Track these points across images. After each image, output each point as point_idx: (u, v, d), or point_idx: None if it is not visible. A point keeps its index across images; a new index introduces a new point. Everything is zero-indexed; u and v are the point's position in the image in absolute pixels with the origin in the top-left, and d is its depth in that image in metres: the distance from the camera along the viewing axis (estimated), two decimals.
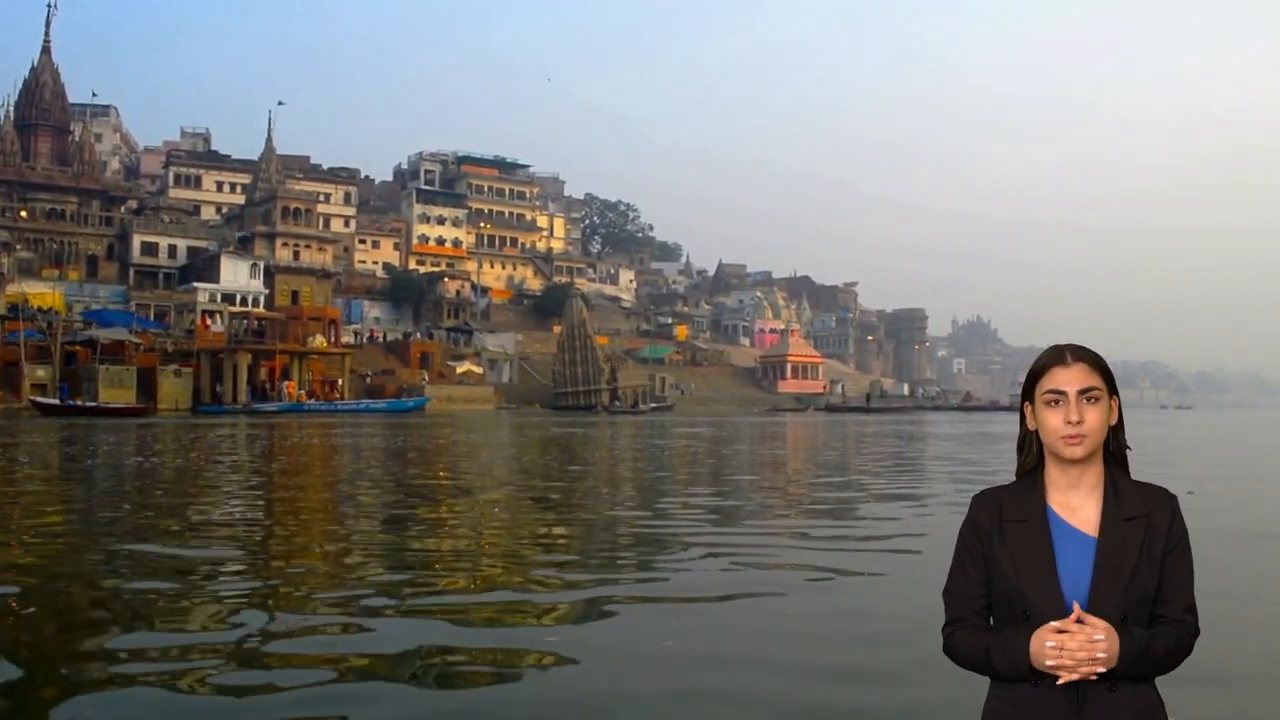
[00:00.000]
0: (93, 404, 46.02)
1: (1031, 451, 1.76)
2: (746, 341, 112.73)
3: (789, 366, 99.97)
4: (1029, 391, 1.75)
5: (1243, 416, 73.91)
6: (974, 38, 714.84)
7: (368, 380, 65.43)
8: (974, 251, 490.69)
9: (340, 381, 61.60)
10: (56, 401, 45.21)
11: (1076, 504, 1.71)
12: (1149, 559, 1.65)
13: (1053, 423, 1.69)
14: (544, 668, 4.17)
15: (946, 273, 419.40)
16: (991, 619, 1.73)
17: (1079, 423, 1.67)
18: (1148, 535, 1.66)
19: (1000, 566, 1.69)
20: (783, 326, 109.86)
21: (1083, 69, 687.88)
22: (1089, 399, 1.68)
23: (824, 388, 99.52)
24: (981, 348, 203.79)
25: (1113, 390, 1.73)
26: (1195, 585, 1.68)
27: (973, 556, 1.73)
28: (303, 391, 57.92)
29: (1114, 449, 1.74)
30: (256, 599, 5.48)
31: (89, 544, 7.64)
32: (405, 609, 5.14)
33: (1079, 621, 1.59)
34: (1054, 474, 1.73)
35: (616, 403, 71.72)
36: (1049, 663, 1.59)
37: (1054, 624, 1.60)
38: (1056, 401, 1.69)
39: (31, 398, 46.95)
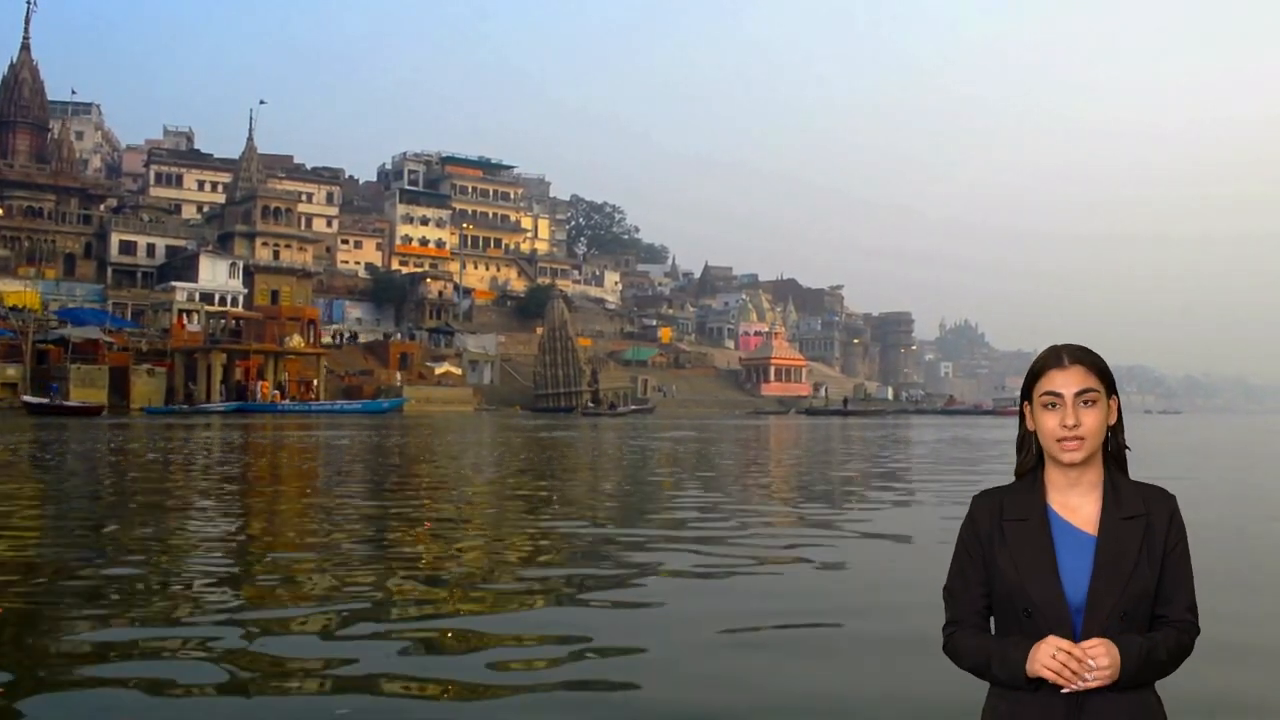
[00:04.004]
0: (74, 404, 45.71)
1: (1030, 451, 1.76)
2: (731, 344, 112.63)
3: (772, 369, 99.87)
4: (1028, 391, 1.74)
5: (1228, 421, 73.93)
6: (964, 47, 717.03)
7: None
8: (962, 257, 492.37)
9: (315, 382, 61.30)
10: (46, 400, 45.11)
11: (1076, 503, 1.70)
12: (1149, 557, 1.65)
13: (1049, 425, 1.68)
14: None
15: (934, 278, 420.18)
16: (992, 619, 1.73)
17: (1075, 426, 1.66)
18: (1147, 534, 1.66)
19: (1000, 566, 1.69)
20: (766, 329, 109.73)
21: (1072, 80, 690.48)
22: (1086, 401, 1.67)
23: (809, 390, 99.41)
24: (969, 351, 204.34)
25: (1111, 390, 1.72)
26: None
27: (971, 557, 1.73)
28: (276, 392, 57.62)
29: (1113, 449, 1.73)
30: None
31: None
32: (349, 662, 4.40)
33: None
34: (1053, 475, 1.72)
35: (591, 405, 71.52)
36: (1046, 674, 1.60)
37: (1056, 641, 1.61)
38: (1053, 404, 1.68)
39: (24, 397, 46.82)
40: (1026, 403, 1.75)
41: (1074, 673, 1.58)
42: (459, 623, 5.14)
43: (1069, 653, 1.58)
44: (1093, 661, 1.57)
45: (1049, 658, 1.59)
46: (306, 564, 6.88)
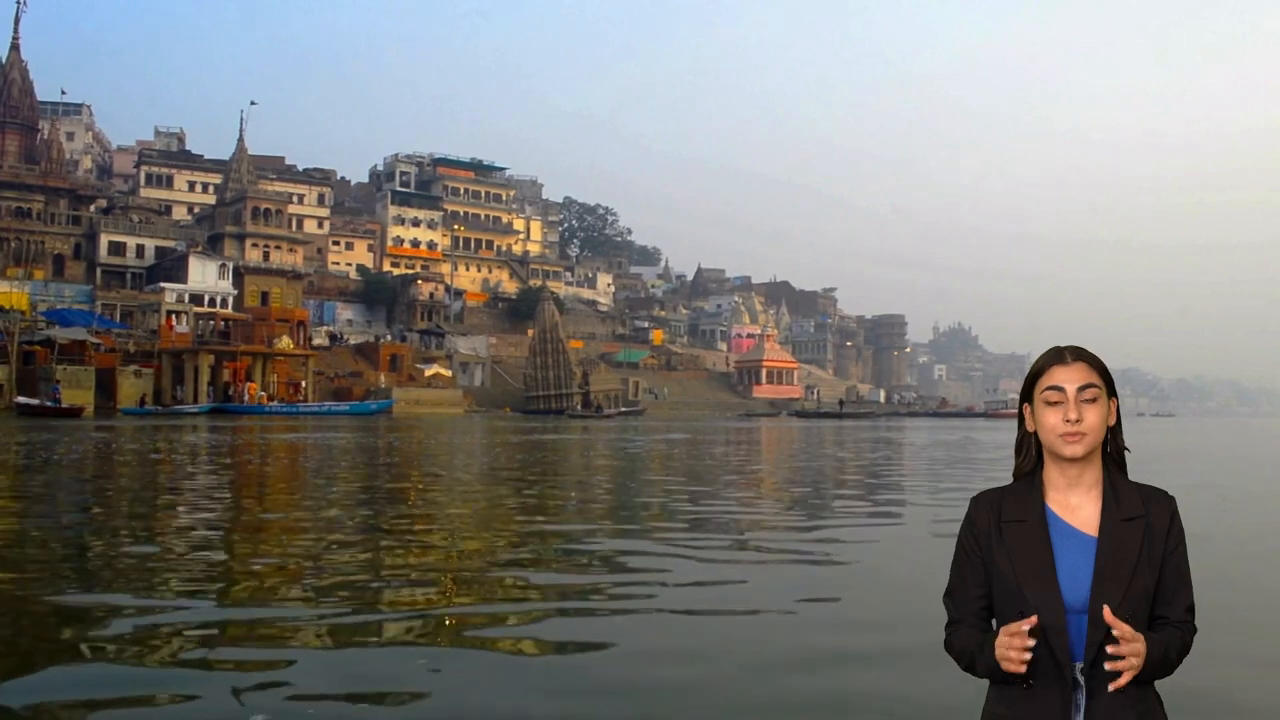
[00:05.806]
0: (58, 405, 45.43)
1: (1030, 454, 1.77)
2: (723, 346, 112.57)
3: (764, 371, 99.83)
4: (1028, 393, 1.75)
5: (1221, 424, 73.88)
6: (958, 53, 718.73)
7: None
8: (956, 260, 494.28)
9: (304, 384, 61.05)
10: (36, 402, 44.84)
11: (1075, 504, 1.71)
12: (1149, 558, 1.66)
13: (1051, 420, 1.70)
14: None
15: (928, 281, 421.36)
16: (994, 620, 1.73)
17: (1078, 420, 1.68)
18: (1147, 535, 1.67)
19: (999, 567, 1.70)
20: (759, 331, 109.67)
21: (1066, 85, 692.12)
22: (1087, 398, 1.69)
23: (801, 393, 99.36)
24: (963, 354, 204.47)
25: (1111, 391, 1.74)
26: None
27: (970, 559, 1.74)
28: (264, 394, 57.37)
29: (1112, 450, 1.75)
30: None
31: None
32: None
33: (1103, 624, 1.59)
34: (1053, 475, 1.73)
35: (580, 408, 71.32)
36: (1008, 665, 1.61)
37: (1010, 626, 1.62)
38: (1056, 400, 1.70)
39: (17, 399, 46.60)
40: (1026, 404, 1.75)
41: (1019, 652, 1.58)
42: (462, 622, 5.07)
43: (1011, 635, 1.59)
44: (1126, 648, 1.56)
45: (1002, 648, 1.60)
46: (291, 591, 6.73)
